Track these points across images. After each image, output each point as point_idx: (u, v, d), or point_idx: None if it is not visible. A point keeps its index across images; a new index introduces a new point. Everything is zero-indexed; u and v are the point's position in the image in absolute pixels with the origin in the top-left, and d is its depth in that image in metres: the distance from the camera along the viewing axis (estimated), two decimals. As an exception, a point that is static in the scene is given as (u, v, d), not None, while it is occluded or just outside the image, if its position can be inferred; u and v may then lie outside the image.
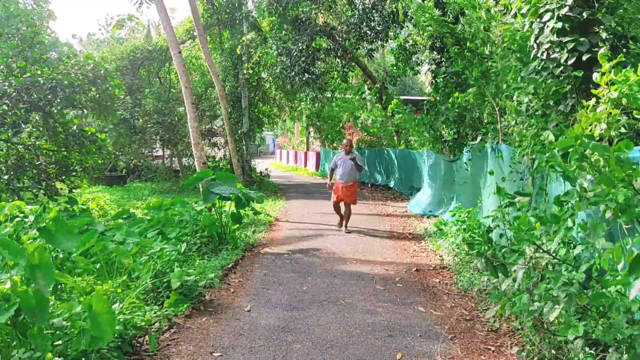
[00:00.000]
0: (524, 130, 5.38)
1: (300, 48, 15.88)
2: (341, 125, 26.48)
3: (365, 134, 21.90)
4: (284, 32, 16.58)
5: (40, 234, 3.88)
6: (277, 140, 53.00)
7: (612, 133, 3.40)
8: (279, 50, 16.59)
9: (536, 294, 3.38)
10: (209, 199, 8.30)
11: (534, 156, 4.98)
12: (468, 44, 8.65)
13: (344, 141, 10.08)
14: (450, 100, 10.29)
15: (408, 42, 18.00)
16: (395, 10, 14.49)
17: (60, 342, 3.37)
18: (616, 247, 2.74)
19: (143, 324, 4.43)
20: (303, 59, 15.96)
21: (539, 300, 3.30)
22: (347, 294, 5.90)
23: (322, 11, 16.78)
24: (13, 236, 4.39)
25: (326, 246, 8.61)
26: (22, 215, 5.59)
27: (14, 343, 3.29)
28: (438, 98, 12.12)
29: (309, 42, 15.86)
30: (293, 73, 16.24)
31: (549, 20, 4.83)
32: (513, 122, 6.02)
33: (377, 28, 15.85)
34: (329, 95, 20.56)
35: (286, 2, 15.51)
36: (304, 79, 16.22)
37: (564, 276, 3.26)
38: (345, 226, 10.10)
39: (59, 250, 4.34)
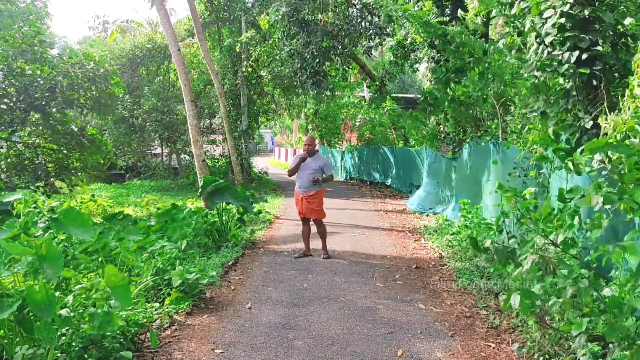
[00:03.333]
0: (526, 127, 5.39)
1: (312, 50, 15.69)
2: (339, 123, 26.48)
3: (364, 130, 21.92)
4: (292, 33, 16.42)
5: (54, 225, 3.90)
6: (275, 138, 52.98)
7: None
8: (289, 52, 16.43)
9: (545, 285, 3.37)
10: (213, 204, 8.60)
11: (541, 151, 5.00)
12: (461, 48, 8.66)
13: (305, 139, 7.64)
14: (449, 93, 10.28)
15: (407, 39, 18.04)
16: (389, 15, 14.51)
17: (64, 337, 3.38)
18: (620, 246, 2.77)
19: (144, 321, 4.44)
20: (317, 61, 15.78)
21: (546, 293, 3.30)
22: (347, 291, 5.92)
23: (323, 12, 16.72)
24: (23, 227, 4.39)
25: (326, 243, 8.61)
26: (34, 206, 5.55)
27: (17, 339, 3.30)
28: (437, 95, 12.14)
29: (320, 44, 15.70)
30: (305, 76, 16.13)
31: (550, 17, 4.84)
32: (516, 120, 6.03)
33: (377, 23, 15.84)
34: (329, 93, 20.51)
35: (294, 6, 15.39)
36: (315, 80, 16.06)
37: (577, 272, 3.25)
38: (323, 249, 7.62)
39: (68, 245, 4.36)
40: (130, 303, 3.47)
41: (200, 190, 8.97)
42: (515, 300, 3.38)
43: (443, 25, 9.93)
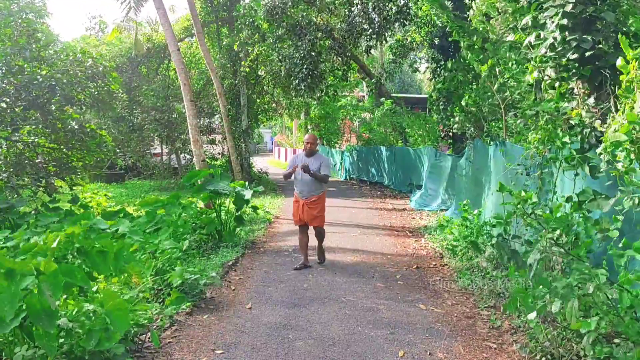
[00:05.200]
0: (531, 125, 5.37)
1: (302, 55, 15.52)
2: (338, 123, 26.47)
3: (362, 130, 21.92)
4: (284, 36, 16.28)
5: (78, 256, 3.82)
6: (275, 138, 52.97)
7: None
8: (280, 58, 16.31)
9: (557, 286, 3.34)
10: (199, 193, 8.47)
11: (545, 151, 4.98)
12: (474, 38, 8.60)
13: (306, 137, 7.04)
14: (452, 98, 10.26)
15: (406, 39, 18.05)
16: (402, 6, 14.48)
17: (65, 343, 3.34)
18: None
19: (145, 321, 4.42)
20: (306, 65, 15.61)
21: (555, 295, 3.27)
22: (348, 291, 5.90)
23: (320, 13, 16.64)
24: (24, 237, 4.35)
25: (326, 243, 8.57)
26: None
27: (17, 341, 3.28)
28: (440, 96, 12.13)
29: (310, 47, 15.54)
30: (297, 80, 16.02)
31: (552, 17, 4.82)
32: (519, 120, 6.01)
33: (376, 25, 15.82)
34: (331, 94, 20.37)
35: (283, 8, 15.27)
36: (307, 84, 15.91)
37: (592, 272, 3.22)
38: (320, 255, 7.21)
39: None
40: (128, 326, 3.40)
41: (183, 179, 8.92)
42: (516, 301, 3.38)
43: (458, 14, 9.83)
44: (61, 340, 3.34)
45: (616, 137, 2.96)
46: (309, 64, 15.47)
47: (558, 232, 3.48)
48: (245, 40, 17.72)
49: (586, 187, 3.26)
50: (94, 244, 3.83)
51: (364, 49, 17.65)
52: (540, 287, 3.39)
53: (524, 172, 5.66)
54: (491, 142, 8.21)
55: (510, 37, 6.11)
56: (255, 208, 10.53)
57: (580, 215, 3.57)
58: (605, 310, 3.12)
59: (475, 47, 7.86)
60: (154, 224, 7.19)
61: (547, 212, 3.92)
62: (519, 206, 3.79)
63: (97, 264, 3.79)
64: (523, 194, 3.91)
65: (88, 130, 10.64)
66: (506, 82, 7.60)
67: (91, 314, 3.41)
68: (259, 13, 16.16)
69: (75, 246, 3.77)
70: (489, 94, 8.61)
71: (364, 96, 27.72)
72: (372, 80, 18.82)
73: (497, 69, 7.50)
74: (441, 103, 12.31)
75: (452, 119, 10.78)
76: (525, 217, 3.79)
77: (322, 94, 17.63)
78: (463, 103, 9.55)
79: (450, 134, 13.76)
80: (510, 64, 6.59)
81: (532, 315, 3.39)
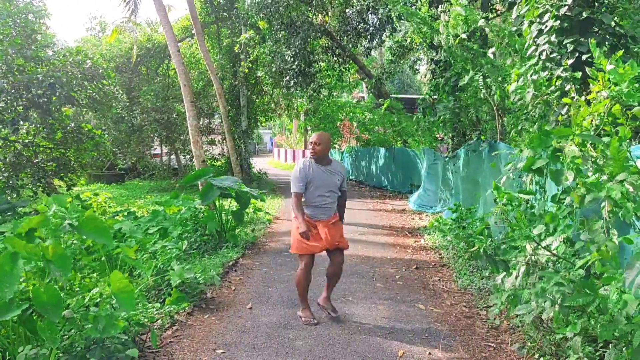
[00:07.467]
0: (524, 128, 5.41)
1: (293, 52, 15.56)
2: (338, 124, 26.47)
3: (361, 131, 21.94)
4: (279, 35, 16.32)
5: (72, 231, 3.88)
6: (274, 138, 53.04)
7: (607, 128, 3.45)
8: (272, 56, 16.38)
9: (535, 291, 3.41)
10: (209, 196, 8.00)
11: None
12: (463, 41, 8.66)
13: (313, 136, 4.88)
14: (445, 99, 10.30)
15: (406, 40, 18.09)
16: (388, 15, 14.57)
17: (67, 335, 3.39)
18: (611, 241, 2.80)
19: (146, 321, 4.45)
20: (297, 62, 15.65)
21: (538, 298, 3.33)
22: (347, 291, 5.93)
23: (317, 13, 16.65)
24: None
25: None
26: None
27: (20, 339, 3.31)
28: (436, 97, 12.16)
29: (302, 45, 15.56)
30: (288, 77, 16.08)
31: (548, 21, 4.86)
32: (512, 121, 6.05)
33: (373, 27, 15.88)
34: (326, 93, 20.44)
35: (277, 5, 15.27)
36: (297, 81, 15.99)
37: (558, 276, 3.28)
38: (326, 300, 5.06)
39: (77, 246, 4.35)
40: (134, 307, 3.46)
41: (184, 179, 8.85)
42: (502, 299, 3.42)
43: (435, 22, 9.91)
44: (63, 333, 3.38)
45: (572, 152, 2.99)
46: (301, 61, 15.48)
47: (544, 234, 3.53)
48: (246, 41, 17.75)
49: (568, 186, 3.32)
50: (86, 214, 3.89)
51: (363, 50, 17.71)
52: (524, 291, 3.44)
53: (518, 175, 5.69)
54: (484, 145, 8.25)
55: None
56: (258, 210, 10.58)
57: (568, 213, 3.61)
58: (594, 311, 3.16)
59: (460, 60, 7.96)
60: (156, 224, 7.23)
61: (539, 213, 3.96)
62: (508, 206, 3.83)
63: (94, 237, 3.83)
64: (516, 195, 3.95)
65: (85, 130, 10.69)
66: (496, 83, 7.66)
67: (98, 298, 3.47)
68: (251, 12, 16.18)
69: (68, 222, 3.81)
70: (480, 96, 8.66)
71: (363, 97, 27.74)
72: (372, 81, 18.87)
73: (481, 74, 7.56)
74: (435, 108, 12.35)
75: (442, 128, 10.84)
76: (514, 213, 3.83)
77: (314, 92, 17.69)
78: (445, 101, 9.60)
79: (453, 134, 13.78)
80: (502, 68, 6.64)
81: (522, 310, 3.44)
